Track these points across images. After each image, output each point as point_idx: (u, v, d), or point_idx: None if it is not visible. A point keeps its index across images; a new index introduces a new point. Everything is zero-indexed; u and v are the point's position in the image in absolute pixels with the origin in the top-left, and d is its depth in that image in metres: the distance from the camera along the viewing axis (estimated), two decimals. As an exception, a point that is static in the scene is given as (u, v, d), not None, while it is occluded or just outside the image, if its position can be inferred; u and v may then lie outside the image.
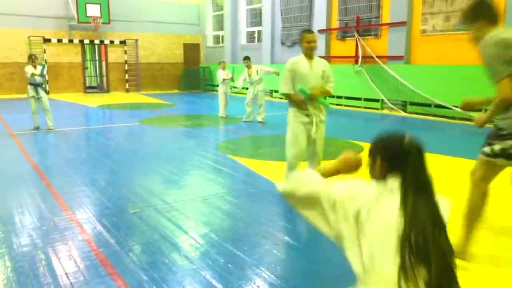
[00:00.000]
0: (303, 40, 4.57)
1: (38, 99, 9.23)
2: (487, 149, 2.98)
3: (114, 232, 3.83)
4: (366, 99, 13.80)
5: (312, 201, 1.78)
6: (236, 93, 17.57)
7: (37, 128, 9.38)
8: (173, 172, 6.03)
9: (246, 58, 10.98)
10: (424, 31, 12.29)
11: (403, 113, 12.43)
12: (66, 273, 3.06)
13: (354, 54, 14.28)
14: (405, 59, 12.73)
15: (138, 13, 20.98)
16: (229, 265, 3.19)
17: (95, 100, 16.77)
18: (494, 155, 2.93)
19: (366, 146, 7.82)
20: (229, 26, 20.69)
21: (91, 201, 4.74)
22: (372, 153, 1.80)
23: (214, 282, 2.95)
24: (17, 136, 8.62)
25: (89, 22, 18.90)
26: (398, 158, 1.69)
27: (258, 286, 2.91)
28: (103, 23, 19.26)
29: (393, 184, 1.65)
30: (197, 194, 5.03)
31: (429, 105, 11.87)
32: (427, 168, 1.68)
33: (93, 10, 18.87)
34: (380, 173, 1.74)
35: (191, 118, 12.17)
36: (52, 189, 5.13)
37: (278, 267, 3.17)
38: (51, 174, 5.85)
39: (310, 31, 4.72)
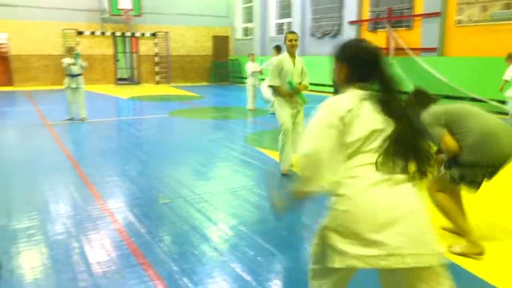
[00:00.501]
0: (286, 39, 5.29)
1: (74, 89, 9.44)
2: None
3: (144, 222, 3.89)
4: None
5: (333, 152, 1.82)
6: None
7: (71, 119, 9.61)
8: (202, 163, 6.07)
9: (277, 47, 10.89)
10: (459, 22, 11.92)
11: (435, 107, 12.11)
12: (98, 262, 3.13)
13: (385, 46, 13.99)
14: (439, 51, 12.40)
15: (168, 6, 21.14)
16: (258, 258, 3.19)
17: (126, 92, 17.05)
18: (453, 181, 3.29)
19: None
20: (258, 18, 20.62)
21: (122, 191, 4.83)
22: (338, 61, 1.99)
23: (244, 275, 2.96)
24: (51, 127, 8.86)
25: (121, 15, 19.18)
26: (366, 65, 1.91)
27: (288, 280, 2.90)
28: (134, 15, 19.52)
29: (363, 91, 1.87)
30: (226, 186, 5.05)
31: (463, 99, 11.52)
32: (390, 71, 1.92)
33: (124, 3, 19.14)
34: (345, 80, 1.96)
35: (219, 110, 12.22)
36: (85, 178, 5.25)
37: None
38: (84, 164, 5.99)
39: (292, 32, 5.48)
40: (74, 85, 9.36)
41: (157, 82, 21.24)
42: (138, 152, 6.76)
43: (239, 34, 23.05)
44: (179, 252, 3.29)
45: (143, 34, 20.62)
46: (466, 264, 3.08)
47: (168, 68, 21.53)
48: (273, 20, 20.45)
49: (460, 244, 3.27)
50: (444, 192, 3.38)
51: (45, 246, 3.39)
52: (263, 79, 13.54)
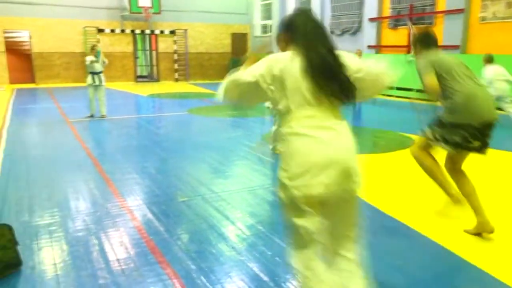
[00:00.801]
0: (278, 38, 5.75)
1: (96, 87, 9.57)
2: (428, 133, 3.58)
3: (163, 220, 3.91)
4: (419, 90, 13.26)
5: (252, 89, 2.16)
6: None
7: (92, 116, 9.74)
8: (220, 161, 6.08)
9: None
10: (483, 19, 11.66)
11: (457, 105, 11.89)
12: (117, 259, 3.16)
13: (406, 44, 13.80)
14: (462, 48, 12.16)
15: (187, 3, 21.23)
16: (277, 258, 3.17)
17: (145, 89, 17.21)
18: (435, 139, 3.51)
19: (419, 139, 7.54)
20: (277, 15, 20.54)
21: (141, 189, 4.86)
22: (278, 32, 2.36)
23: (261, 275, 2.95)
24: (72, 124, 8.99)
25: (141, 13, 19.34)
26: (290, 27, 2.23)
27: (305, 281, 2.87)
28: (154, 13, 19.66)
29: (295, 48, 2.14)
30: (244, 184, 5.04)
31: (486, 97, 11.29)
32: (314, 23, 2.17)
33: (144, 1, 19.28)
34: (284, 45, 2.28)
35: (237, 108, 12.20)
36: (105, 175, 5.31)
37: (326, 263, 3.11)
38: (104, 161, 6.05)
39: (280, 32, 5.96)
40: (96, 82, 9.48)
41: (176, 80, 21.37)
42: (157, 149, 6.81)
43: (258, 31, 23.01)
44: (197, 250, 3.30)
45: (162, 32, 20.76)
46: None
47: (187, 65, 21.64)
48: (292, 17, 20.34)
49: (471, 228, 3.55)
50: (422, 150, 3.69)
51: (66, 243, 3.44)
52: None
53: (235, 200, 4.46)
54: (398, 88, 13.84)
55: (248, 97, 2.25)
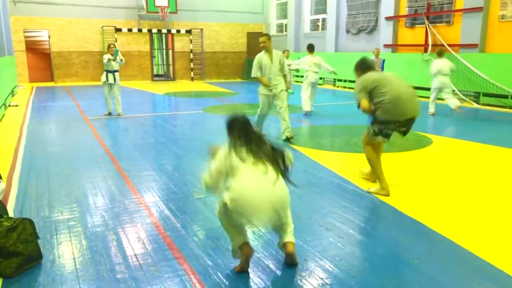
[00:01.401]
0: (260, 42, 7.03)
1: (110, 85, 9.70)
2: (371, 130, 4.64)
3: (180, 216, 3.95)
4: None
5: (217, 177, 2.96)
6: (298, 82, 17.42)
7: (109, 114, 9.86)
8: (236, 160, 6.10)
9: (309, 46, 10.83)
10: (502, 17, 11.48)
11: (475, 105, 11.74)
12: (135, 254, 3.20)
13: (423, 42, 13.65)
14: (480, 47, 11.98)
15: (203, 3, 21.33)
16: (292, 256, 3.17)
17: (161, 88, 17.34)
18: (374, 134, 4.62)
19: (435, 138, 7.50)
20: (292, 14, 20.51)
21: (158, 186, 4.91)
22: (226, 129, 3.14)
23: (278, 272, 2.96)
24: (90, 121, 9.12)
25: (157, 12, 19.50)
26: (232, 129, 3.09)
27: (321, 278, 2.88)
28: (170, 12, 19.80)
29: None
30: (260, 182, 5.04)
31: (505, 97, 11.12)
32: (250, 128, 3.04)
33: (161, 0, 19.43)
34: (231, 140, 3.03)
35: (253, 107, 12.17)
36: (122, 172, 5.38)
37: (342, 261, 3.11)
38: (122, 158, 6.13)
39: (262, 34, 7.10)
40: (110, 81, 9.60)
41: (192, 79, 21.49)
42: (173, 147, 6.87)
43: (273, 30, 23.00)
44: (214, 247, 3.33)
45: (178, 31, 20.90)
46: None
47: (202, 64, 21.75)
48: (307, 16, 20.29)
49: (375, 187, 4.67)
50: (371, 146, 4.73)
51: (84, 238, 3.50)
52: (297, 76, 13.46)
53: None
54: (414, 88, 13.70)
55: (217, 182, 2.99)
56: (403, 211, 4.09)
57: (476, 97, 11.95)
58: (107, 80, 9.60)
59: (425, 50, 13.49)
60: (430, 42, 13.25)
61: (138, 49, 20.55)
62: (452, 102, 10.09)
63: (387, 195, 4.50)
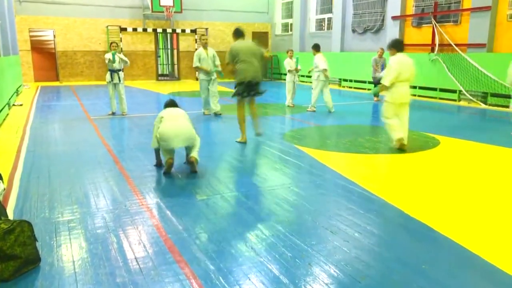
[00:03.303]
0: (201, 39, 10.05)
1: (115, 85, 9.65)
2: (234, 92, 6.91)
3: (182, 218, 3.87)
4: (442, 90, 13.03)
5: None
6: (303, 82, 17.32)
7: (113, 113, 9.81)
8: (240, 160, 6.03)
9: (315, 46, 10.74)
10: (511, 16, 11.32)
11: (483, 105, 11.59)
12: (135, 258, 3.13)
13: (430, 42, 13.51)
14: (488, 47, 11.83)
15: (208, 2, 21.28)
16: (296, 260, 3.09)
17: (166, 88, 17.28)
18: (237, 94, 6.88)
19: (443, 139, 7.36)
20: (298, 13, 20.40)
21: (160, 187, 4.84)
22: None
23: (281, 277, 2.87)
24: (94, 121, 9.07)
25: (162, 12, 19.45)
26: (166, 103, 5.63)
27: (326, 284, 2.79)
28: (175, 12, 19.75)
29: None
30: (263, 184, 4.97)
31: (513, 97, 10.96)
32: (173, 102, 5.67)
33: (166, 0, 19.38)
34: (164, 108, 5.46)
35: (258, 107, 12.09)
36: (124, 173, 5.31)
37: (348, 266, 3.02)
38: (124, 158, 6.07)
39: (203, 34, 12.45)
40: (115, 80, 9.55)
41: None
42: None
43: (279, 30, 22.91)
44: (216, 250, 3.25)
45: (183, 31, 20.84)
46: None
47: (208, 64, 21.66)
48: (313, 15, 20.18)
49: (239, 138, 7.06)
50: (239, 106, 7.02)
51: (84, 240, 3.43)
52: (302, 75, 13.33)
53: (254, 200, 4.40)
54: (421, 88, 13.58)
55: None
56: (410, 214, 4.00)
57: (483, 97, 11.80)
58: (112, 80, 9.55)
59: (432, 50, 13.35)
60: (437, 42, 13.11)
61: (143, 48, 20.52)
62: None
63: (245, 142, 6.99)
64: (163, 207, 4.16)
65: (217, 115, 10.09)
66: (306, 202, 4.32)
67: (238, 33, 7.09)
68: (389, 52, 6.55)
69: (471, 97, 12.00)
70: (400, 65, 6.16)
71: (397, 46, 6.39)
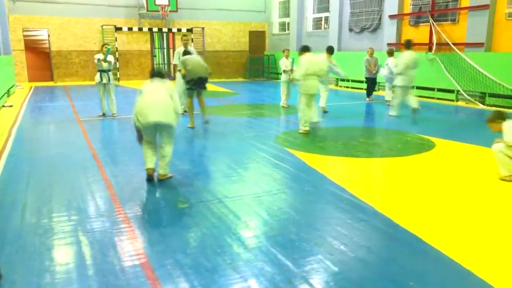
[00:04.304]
0: (182, 39, 10.08)
1: (104, 85, 9.46)
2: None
3: (159, 229, 3.68)
4: (440, 90, 12.83)
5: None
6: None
7: (103, 115, 9.62)
8: (229, 164, 5.83)
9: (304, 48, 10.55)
10: (510, 15, 11.13)
11: (481, 106, 11.39)
12: (104, 275, 2.93)
13: (427, 41, 13.31)
14: (486, 46, 11.62)
15: (204, 1, 21.07)
16: (276, 277, 2.90)
17: (161, 88, 17.05)
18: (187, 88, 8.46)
19: (438, 142, 7.14)
20: (295, 12, 20.19)
21: (141, 194, 4.66)
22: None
23: (256, 297, 2.68)
24: (83, 123, 8.88)
25: (158, 11, 19.24)
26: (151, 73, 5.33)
27: (305, 304, 2.60)
28: (171, 11, 19.53)
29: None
30: (249, 190, 4.78)
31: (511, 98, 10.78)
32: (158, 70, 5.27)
33: (161, -1, 19.17)
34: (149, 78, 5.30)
35: (252, 108, 11.94)
36: (106, 179, 5.12)
37: (331, 283, 2.83)
38: (108, 162, 5.88)
39: (185, 34, 10.21)
40: (104, 81, 9.37)
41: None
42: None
43: (276, 29, 22.70)
44: (192, 265, 3.06)
45: (179, 30, 20.62)
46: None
47: (204, 63, 21.44)
48: (310, 14, 19.97)
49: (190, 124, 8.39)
50: (190, 98, 8.39)
51: (51, 256, 3.23)
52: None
53: (237, 207, 4.21)
54: (418, 88, 13.38)
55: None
56: (399, 223, 3.80)
57: (481, 97, 11.60)
58: (101, 80, 9.36)
59: (430, 49, 13.15)
60: (434, 40, 12.90)
61: (139, 48, 20.32)
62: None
63: (193, 127, 8.34)
64: (143, 217, 3.97)
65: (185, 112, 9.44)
66: (292, 211, 4.13)
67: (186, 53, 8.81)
68: (299, 54, 8.00)
69: (469, 97, 11.80)
70: (307, 63, 7.59)
71: (304, 49, 7.86)
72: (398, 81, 9.69)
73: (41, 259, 3.16)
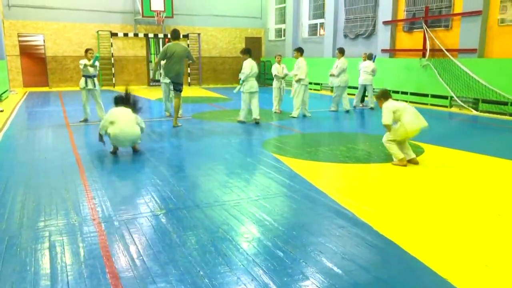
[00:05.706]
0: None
1: (90, 90, 9.41)
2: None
3: (133, 239, 3.58)
4: (434, 96, 12.78)
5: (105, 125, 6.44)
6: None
7: (85, 120, 9.55)
8: (212, 169, 5.75)
9: (298, 50, 10.82)
10: (502, 21, 11.10)
11: (474, 112, 11.34)
12: (67, 282, 2.85)
13: (421, 47, 13.28)
14: (479, 52, 11.59)
15: (201, 7, 21.09)
16: None
17: (156, 93, 17.00)
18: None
19: (427, 148, 7.06)
20: (291, 19, 20.21)
21: (119, 198, 4.56)
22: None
23: (219, 306, 2.59)
24: (71, 128, 8.80)
25: (153, 17, 19.24)
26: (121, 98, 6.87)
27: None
28: (166, 17, 19.53)
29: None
30: (229, 196, 4.68)
31: (505, 103, 10.72)
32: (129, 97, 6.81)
33: (157, 5, 19.19)
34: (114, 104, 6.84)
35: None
36: (86, 184, 5.03)
37: (298, 292, 2.74)
38: (91, 168, 5.79)
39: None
40: (90, 86, 9.32)
41: (189, 84, 21.19)
42: (148, 155, 6.52)
43: (272, 35, 22.71)
44: (159, 274, 2.97)
45: (175, 36, 20.58)
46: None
47: (200, 69, 21.46)
48: (306, 20, 19.98)
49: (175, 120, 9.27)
50: (178, 98, 9.22)
51: (18, 261, 3.14)
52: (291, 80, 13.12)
53: (214, 216, 4.11)
54: (412, 94, 13.34)
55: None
56: (385, 235, 3.70)
57: (475, 104, 11.55)
58: (87, 86, 9.31)
59: (423, 55, 13.12)
60: (428, 46, 12.87)
61: (134, 54, 20.31)
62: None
63: (178, 126, 9.13)
64: (115, 223, 3.88)
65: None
66: (272, 219, 4.02)
67: (174, 34, 9.36)
68: (242, 57, 9.68)
69: (462, 104, 11.74)
70: (249, 66, 9.41)
71: (248, 52, 9.68)
72: (337, 82, 11.64)
73: (8, 266, 3.07)
